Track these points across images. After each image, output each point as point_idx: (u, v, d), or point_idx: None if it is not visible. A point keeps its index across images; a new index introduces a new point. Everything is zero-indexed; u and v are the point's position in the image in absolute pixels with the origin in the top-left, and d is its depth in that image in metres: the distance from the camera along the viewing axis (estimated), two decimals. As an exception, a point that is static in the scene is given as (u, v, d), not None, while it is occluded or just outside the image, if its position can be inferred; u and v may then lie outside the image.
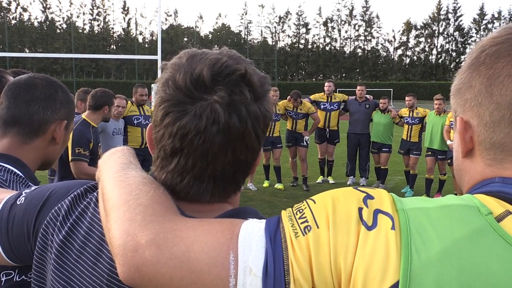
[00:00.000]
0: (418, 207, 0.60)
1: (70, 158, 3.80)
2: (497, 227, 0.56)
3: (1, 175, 1.16)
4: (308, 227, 0.60)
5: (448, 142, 7.53)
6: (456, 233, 0.56)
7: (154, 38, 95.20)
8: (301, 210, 0.63)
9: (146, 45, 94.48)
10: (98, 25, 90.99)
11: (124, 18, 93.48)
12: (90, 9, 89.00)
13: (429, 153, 8.09)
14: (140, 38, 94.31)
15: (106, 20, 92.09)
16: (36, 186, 0.89)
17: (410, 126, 8.45)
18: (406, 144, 8.54)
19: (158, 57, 19.76)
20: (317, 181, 9.38)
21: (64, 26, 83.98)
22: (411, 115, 8.44)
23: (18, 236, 0.82)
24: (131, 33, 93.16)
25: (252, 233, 0.63)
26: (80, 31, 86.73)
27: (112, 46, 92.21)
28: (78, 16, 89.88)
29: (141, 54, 72.63)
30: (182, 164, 0.72)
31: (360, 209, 0.59)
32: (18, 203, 0.84)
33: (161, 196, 0.70)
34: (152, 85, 17.07)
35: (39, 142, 1.29)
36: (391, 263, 0.54)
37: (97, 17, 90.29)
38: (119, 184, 0.72)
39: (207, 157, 0.71)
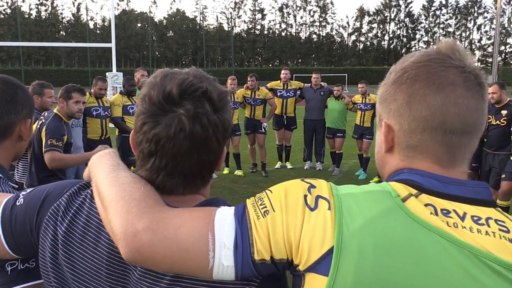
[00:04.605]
0: (348, 192, 0.79)
1: (43, 150, 3.77)
2: (402, 205, 0.76)
3: None
4: (267, 211, 0.78)
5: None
6: (373, 210, 0.75)
7: (105, 23, 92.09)
8: (261, 199, 0.82)
9: (98, 31, 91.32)
10: (46, 10, 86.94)
11: (73, 3, 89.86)
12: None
13: (381, 137, 8.50)
14: (91, 24, 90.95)
15: (54, 4, 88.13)
16: (32, 188, 1.02)
17: (363, 112, 8.84)
18: (360, 129, 8.93)
19: (112, 44, 19.24)
20: (275, 167, 9.64)
21: (9, 11, 79.57)
22: (363, 102, 8.81)
23: (21, 232, 0.95)
24: (82, 19, 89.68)
25: (224, 217, 0.80)
26: (26, 16, 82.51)
27: (61, 32, 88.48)
28: (23, 1, 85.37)
29: (92, 40, 70.14)
30: (157, 164, 0.88)
31: (305, 196, 0.78)
32: (17, 204, 0.97)
33: (150, 191, 0.85)
34: (107, 74, 16.71)
35: (8, 142, 1.37)
36: (328, 234, 0.73)
37: (44, 1, 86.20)
38: (114, 184, 0.86)
39: (177, 158, 0.86)
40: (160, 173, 0.89)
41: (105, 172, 0.91)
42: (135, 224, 0.78)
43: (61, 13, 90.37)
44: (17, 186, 1.31)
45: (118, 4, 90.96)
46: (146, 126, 0.86)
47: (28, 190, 1.00)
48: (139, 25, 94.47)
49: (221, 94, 0.89)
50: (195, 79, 0.87)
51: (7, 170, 1.36)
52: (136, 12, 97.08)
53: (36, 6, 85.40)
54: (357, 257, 0.71)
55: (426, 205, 0.77)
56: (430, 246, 0.72)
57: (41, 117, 4.12)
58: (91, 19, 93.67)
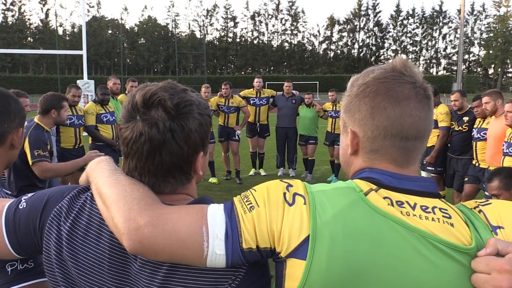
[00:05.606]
0: (320, 189, 0.93)
1: (31, 162, 3.73)
2: (364, 199, 0.90)
3: None
4: (252, 207, 0.91)
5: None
6: (341, 203, 0.89)
7: (75, 30, 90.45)
8: (247, 196, 0.94)
9: (68, 37, 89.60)
10: (13, 16, 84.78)
11: (42, 9, 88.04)
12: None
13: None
14: (60, 30, 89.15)
15: (22, 10, 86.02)
16: (33, 193, 1.11)
17: (333, 119, 9.05)
18: (331, 135, 9.15)
19: (83, 52, 18.86)
20: (249, 174, 9.75)
21: (-27, 16, 77.18)
22: (334, 109, 9.03)
23: (25, 233, 1.03)
24: (50, 25, 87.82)
25: (216, 213, 0.91)
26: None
27: (29, 39, 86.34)
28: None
29: (61, 47, 68.67)
30: (131, 165, 1.00)
31: (284, 193, 0.91)
32: (20, 207, 1.06)
33: (148, 191, 0.96)
34: (78, 81, 16.45)
35: (1, 151, 1.43)
36: (304, 224, 0.86)
37: (11, 7, 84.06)
38: (115, 185, 0.96)
39: (142, 159, 0.97)
40: (134, 174, 1.00)
41: (105, 176, 1.00)
42: (137, 219, 0.88)
43: (29, 19, 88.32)
44: (10, 193, 1.38)
45: (89, 11, 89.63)
46: (122, 130, 0.99)
47: (29, 195, 1.09)
48: (110, 32, 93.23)
49: (180, 104, 0.96)
50: (159, 89, 0.97)
51: (0, 178, 1.43)
52: (107, 19, 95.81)
53: (3, 11, 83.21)
54: (329, 242, 0.84)
55: (384, 198, 0.91)
56: (388, 231, 0.86)
57: None
58: (60, 25, 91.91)
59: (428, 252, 0.86)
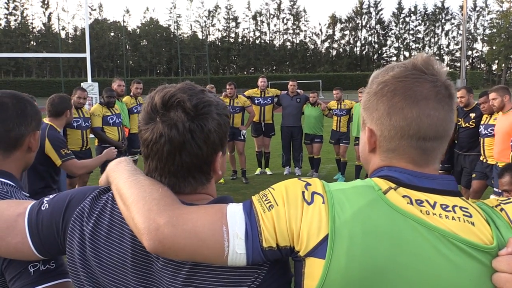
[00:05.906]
0: (338, 188, 0.92)
1: (60, 162, 3.82)
2: (383, 197, 0.89)
3: (1, 188, 1.30)
4: (271, 206, 0.91)
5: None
6: (360, 202, 0.88)
7: (78, 33, 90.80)
8: (265, 195, 0.94)
9: (70, 41, 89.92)
10: (15, 20, 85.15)
11: (44, 13, 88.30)
12: (6, 2, 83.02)
13: (357, 142, 8.74)
14: (62, 34, 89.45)
15: (24, 14, 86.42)
16: (55, 194, 1.12)
17: (338, 118, 9.07)
18: (336, 134, 9.16)
19: (87, 54, 18.94)
20: (255, 173, 9.75)
21: (-24, 21, 77.54)
22: (339, 107, 9.05)
23: (48, 234, 1.05)
24: (53, 28, 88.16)
25: (235, 212, 0.92)
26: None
27: (32, 42, 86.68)
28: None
29: (64, 50, 68.96)
30: (151, 166, 1.02)
31: (303, 192, 0.91)
32: (43, 209, 1.07)
33: (167, 191, 0.97)
34: (82, 84, 16.51)
35: (18, 153, 1.46)
36: (323, 223, 0.86)
37: (13, 11, 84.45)
38: (134, 186, 0.97)
39: (162, 160, 0.99)
40: (154, 175, 1.02)
41: (124, 176, 1.01)
42: (156, 219, 0.89)
43: (32, 23, 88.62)
44: (28, 195, 1.39)
45: (91, 14, 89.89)
46: (141, 131, 1.01)
47: (51, 196, 1.11)
48: (112, 34, 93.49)
49: (199, 104, 0.97)
50: (178, 91, 0.98)
51: (19, 180, 1.44)
52: (109, 21, 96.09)
53: (5, 16, 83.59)
54: (348, 242, 0.84)
55: (403, 196, 0.90)
56: (408, 230, 0.86)
57: None
58: (63, 29, 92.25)
59: (448, 251, 0.86)
